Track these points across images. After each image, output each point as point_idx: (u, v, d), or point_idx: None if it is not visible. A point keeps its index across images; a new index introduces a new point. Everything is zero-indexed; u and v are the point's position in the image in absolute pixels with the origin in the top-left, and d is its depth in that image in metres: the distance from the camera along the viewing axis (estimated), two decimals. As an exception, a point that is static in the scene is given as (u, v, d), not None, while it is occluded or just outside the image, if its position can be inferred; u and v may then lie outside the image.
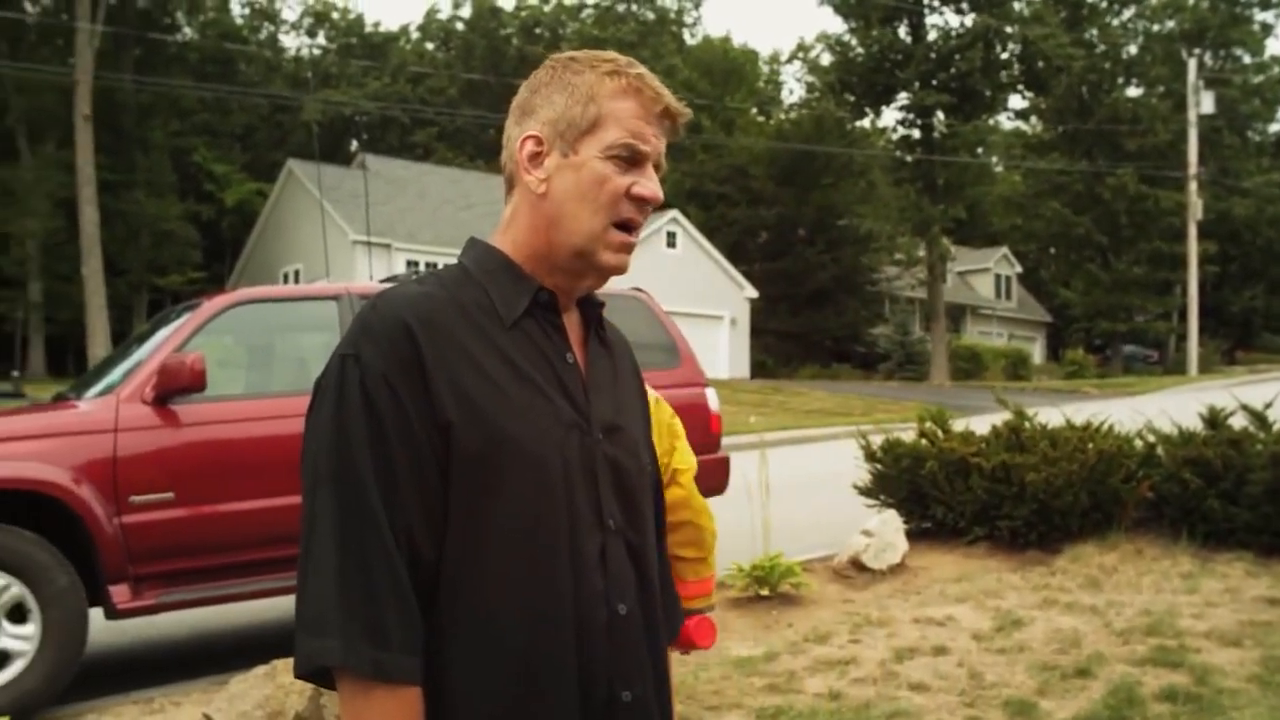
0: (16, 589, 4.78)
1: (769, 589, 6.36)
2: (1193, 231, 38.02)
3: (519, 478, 1.32)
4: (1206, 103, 38.45)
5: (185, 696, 5.01)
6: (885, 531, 7.14)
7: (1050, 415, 8.27)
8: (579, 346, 1.45)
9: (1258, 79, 49.64)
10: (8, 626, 4.81)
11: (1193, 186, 38.07)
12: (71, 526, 4.98)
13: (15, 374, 14.48)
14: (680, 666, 5.33)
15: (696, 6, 63.16)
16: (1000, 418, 8.10)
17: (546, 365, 1.39)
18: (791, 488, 9.18)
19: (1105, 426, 7.82)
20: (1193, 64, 39.95)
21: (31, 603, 4.81)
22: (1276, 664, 5.03)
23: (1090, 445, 7.50)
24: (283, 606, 6.92)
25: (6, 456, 4.94)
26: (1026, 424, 7.86)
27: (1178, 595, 6.36)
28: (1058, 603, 6.20)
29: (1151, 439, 7.85)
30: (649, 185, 1.40)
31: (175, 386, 5.17)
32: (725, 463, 7.05)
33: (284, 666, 4.47)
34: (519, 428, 1.33)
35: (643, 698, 1.40)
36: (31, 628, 4.82)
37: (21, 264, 33.41)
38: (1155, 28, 46.66)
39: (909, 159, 39.00)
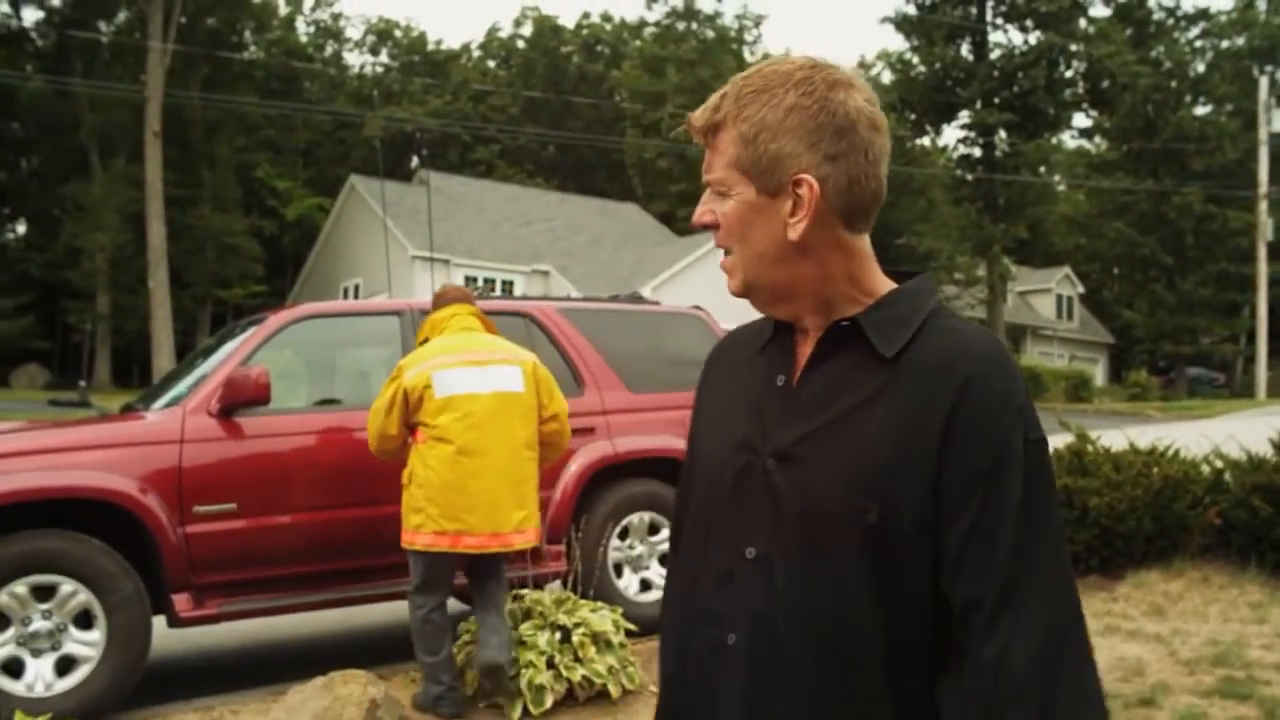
0: (84, 595, 4.88)
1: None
2: (1262, 252, 37.20)
3: (693, 493, 1.46)
4: (1278, 121, 37.69)
5: (243, 705, 5.07)
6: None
7: (1113, 438, 8.13)
8: (809, 370, 1.37)
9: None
10: (75, 632, 4.90)
11: (1263, 206, 37.27)
12: (137, 535, 5.07)
13: (82, 384, 14.78)
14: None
15: (757, 25, 63.18)
16: (1062, 440, 7.97)
17: (760, 388, 1.40)
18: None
19: (1170, 451, 7.67)
20: (1264, 81, 39.17)
21: (98, 609, 4.90)
22: (1350, 698, 4.89)
23: (1155, 470, 7.35)
24: (336, 618, 6.99)
25: (76, 465, 5.04)
26: (1089, 447, 7.72)
27: (1246, 625, 6.21)
28: (1120, 630, 6.08)
29: (1219, 464, 7.68)
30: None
31: (240, 399, 5.26)
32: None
33: (341, 678, 4.52)
34: (704, 445, 1.46)
35: None
36: (97, 634, 4.91)
37: (90, 277, 34.17)
38: (1224, 44, 45.89)
39: (970, 178, 38.64)
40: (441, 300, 5.28)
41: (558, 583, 5.86)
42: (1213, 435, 8.73)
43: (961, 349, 1.29)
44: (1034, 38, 37.46)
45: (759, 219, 1.34)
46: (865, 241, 1.37)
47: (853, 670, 1.26)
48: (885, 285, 1.37)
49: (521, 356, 5.12)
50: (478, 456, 4.81)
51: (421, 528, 4.80)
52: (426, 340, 5.11)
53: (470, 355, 4.96)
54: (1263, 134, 37.63)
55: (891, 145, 1.38)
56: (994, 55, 38.06)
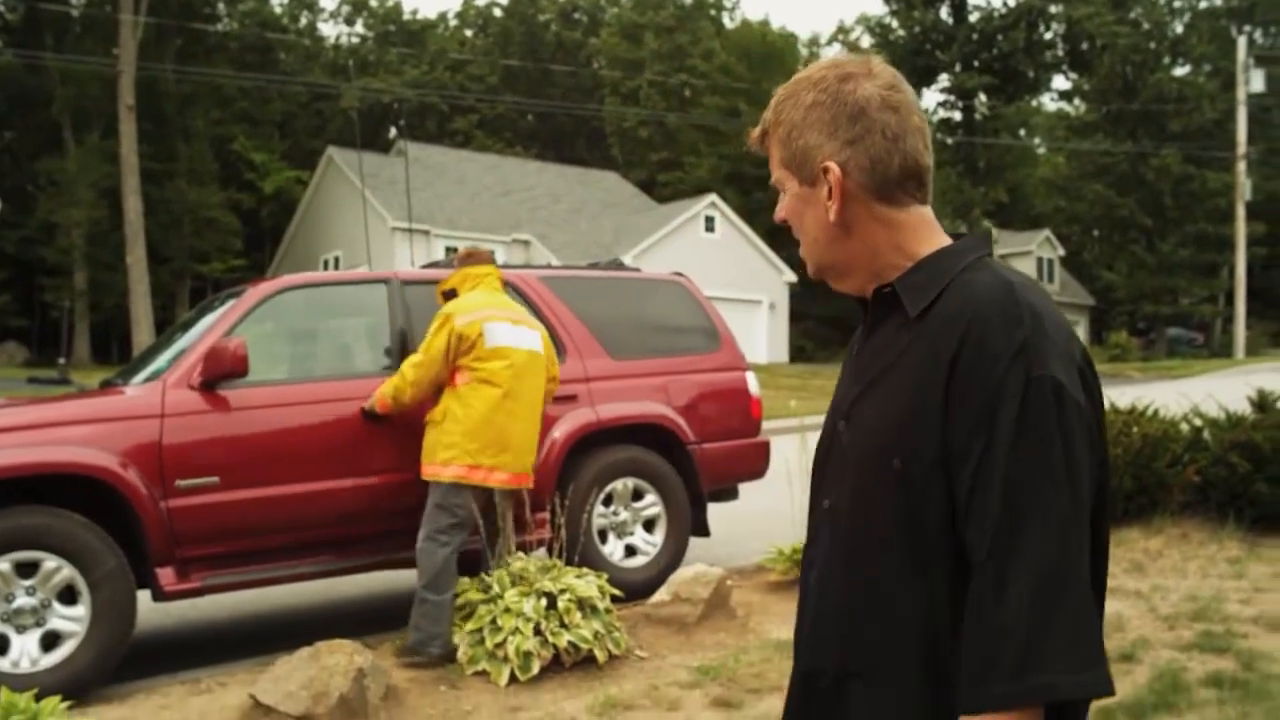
0: (67, 571, 4.86)
1: (809, 573, 6.33)
2: (1240, 212, 37.42)
3: None
4: (1256, 81, 37.78)
5: (231, 677, 5.08)
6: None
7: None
8: (867, 337, 1.52)
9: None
10: (59, 608, 4.89)
11: (1241, 166, 37.46)
12: (120, 510, 5.06)
13: (61, 361, 14.68)
14: (720, 650, 5.34)
15: (734, -10, 62.86)
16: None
17: (849, 360, 1.56)
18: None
19: (1150, 410, 7.73)
20: (1242, 41, 39.25)
21: (81, 585, 4.89)
22: (1326, 650, 4.96)
23: (1135, 429, 7.41)
24: (322, 588, 7.00)
25: (57, 441, 5.02)
26: (1070, 407, 7.76)
27: (1224, 580, 6.28)
28: (1102, 587, 6.13)
29: (1198, 423, 7.74)
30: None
31: (219, 372, 5.23)
32: (765, 447, 7.04)
33: (327, 648, 4.53)
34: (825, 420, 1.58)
35: (832, 675, 1.44)
36: (81, 609, 4.90)
37: (67, 253, 33.89)
38: (1202, 4, 45.91)
39: (950, 141, 38.64)
40: (476, 258, 5.70)
41: (543, 550, 5.88)
42: (1192, 394, 8.80)
43: (970, 296, 1.36)
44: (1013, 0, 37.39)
45: (807, 208, 1.50)
46: (913, 212, 1.47)
47: (888, 607, 1.37)
48: (936, 250, 1.47)
49: (536, 324, 5.67)
50: (518, 402, 5.34)
51: (454, 460, 5.21)
52: (454, 291, 5.51)
53: (510, 314, 5.49)
54: (1241, 94, 37.74)
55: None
56: (973, 18, 38.03)
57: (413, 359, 5.40)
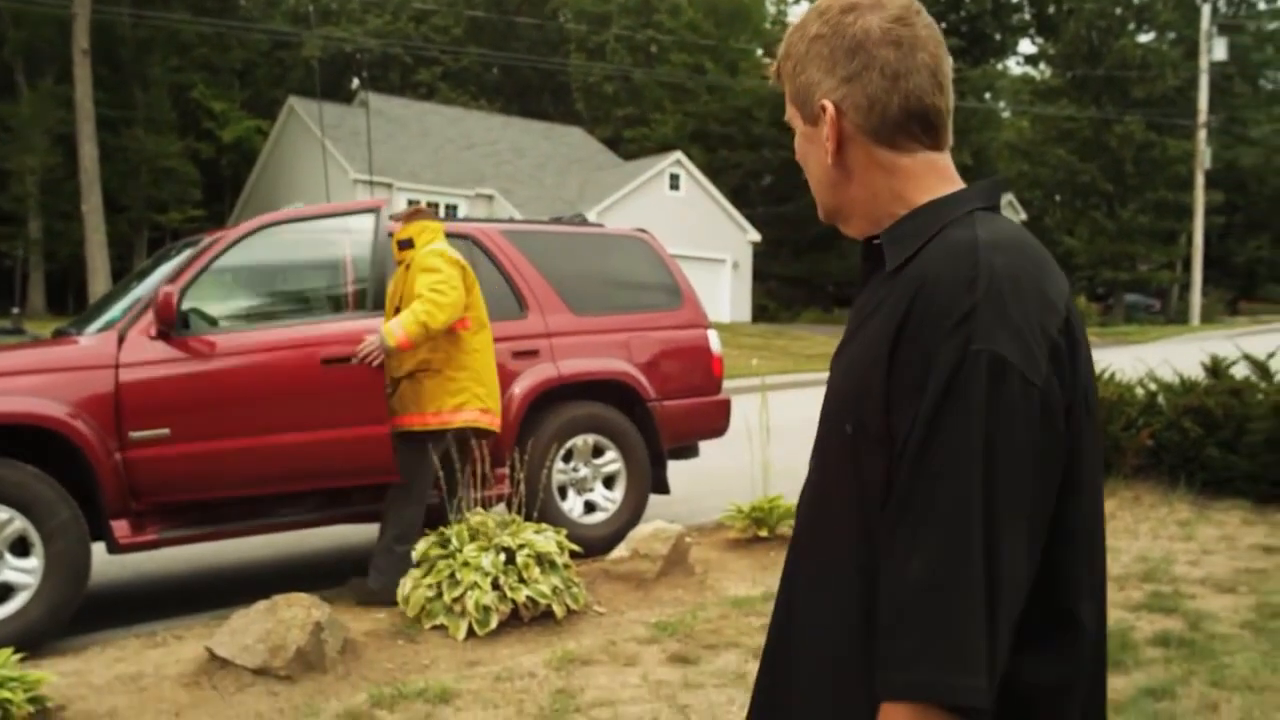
0: (19, 523, 4.81)
1: (768, 530, 6.39)
2: (1200, 180, 37.79)
3: None
4: (1219, 49, 38.01)
5: (187, 630, 5.05)
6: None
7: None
8: (860, 290, 1.43)
9: (1272, 26, 49.01)
10: (10, 559, 4.84)
11: (1202, 134, 37.78)
12: (73, 461, 4.99)
13: (15, 311, 14.41)
14: (678, 606, 5.38)
15: (703, -55, 62.24)
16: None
17: None
18: (792, 430, 9.17)
19: (1106, 374, 7.82)
20: (1206, 9, 39.43)
21: (34, 536, 4.84)
22: (1270, 610, 5.07)
23: (1091, 392, 7.49)
24: (279, 542, 6.98)
25: (8, 391, 4.94)
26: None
27: (1174, 542, 6.40)
28: (1054, 548, 6.23)
29: (1153, 387, 7.85)
30: None
31: (162, 320, 5.12)
32: (726, 405, 7.06)
33: (284, 601, 4.51)
34: None
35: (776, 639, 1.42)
36: (34, 561, 4.85)
37: (21, 200, 33.22)
38: (1168, -29, 45.98)
39: (915, 103, 38.62)
40: (425, 214, 5.67)
41: (502, 505, 5.88)
42: (1148, 359, 8.92)
43: (932, 255, 1.25)
44: (981, -39, 37.36)
45: (811, 148, 1.40)
46: (919, 158, 1.35)
47: (832, 565, 1.30)
48: (931, 199, 1.35)
49: None
50: (491, 345, 5.57)
51: (465, 405, 5.37)
52: (411, 241, 5.49)
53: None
54: (1204, 62, 37.99)
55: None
56: (941, -21, 37.91)
57: (431, 281, 5.19)
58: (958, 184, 1.36)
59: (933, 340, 1.18)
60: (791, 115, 1.42)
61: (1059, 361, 1.21)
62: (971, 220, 1.29)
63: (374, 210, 5.73)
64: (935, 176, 1.35)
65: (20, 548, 4.86)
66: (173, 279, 5.35)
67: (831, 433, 1.32)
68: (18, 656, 4.12)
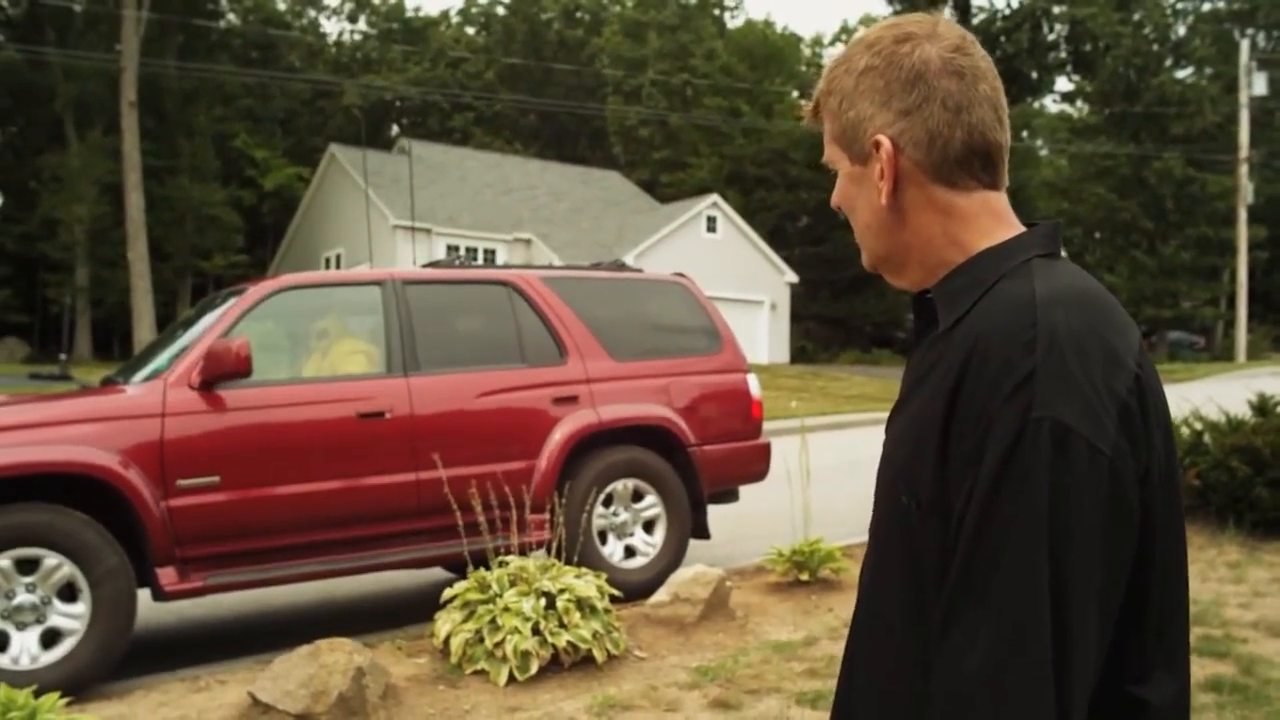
0: (68, 569, 4.87)
1: (809, 574, 6.35)
2: (1242, 216, 37.37)
3: None
4: (1259, 84, 37.72)
5: (231, 675, 5.08)
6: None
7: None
8: (914, 348, 1.34)
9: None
10: (59, 605, 4.90)
11: (1243, 170, 37.40)
12: (120, 509, 5.06)
13: (63, 357, 14.67)
14: (719, 651, 5.34)
15: (737, -11, 62.83)
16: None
17: None
18: (832, 472, 9.15)
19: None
20: (1245, 45, 39.20)
21: (82, 582, 4.90)
22: (1325, 655, 4.96)
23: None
24: (322, 589, 7.01)
25: (58, 440, 5.02)
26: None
27: (1224, 584, 6.28)
28: (1101, 591, 6.13)
29: (1198, 426, 7.75)
30: None
31: (221, 371, 5.24)
32: (766, 449, 7.04)
33: (326, 646, 4.53)
34: None
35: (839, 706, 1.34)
36: (82, 607, 4.91)
37: (69, 249, 33.90)
38: (1205, 6, 45.88)
39: (952, 142, 38.56)
40: None
41: (542, 550, 5.88)
42: (1192, 398, 8.80)
43: (986, 312, 1.15)
44: (1017, 0, 37.38)
45: (859, 190, 1.29)
46: (976, 198, 1.25)
47: (887, 648, 1.23)
48: (986, 248, 1.24)
49: None
50: None
51: None
52: None
53: None
54: (1243, 97, 37.69)
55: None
56: (977, 20, 37.97)
57: None
58: (1015, 227, 1.25)
59: (989, 407, 1.08)
60: (833, 156, 1.31)
61: (1130, 425, 1.09)
62: (1029, 270, 1.18)
63: (379, 284, 6.08)
64: (993, 219, 1.25)
65: (68, 593, 4.92)
66: (224, 331, 5.47)
67: (887, 503, 1.24)
68: (64, 700, 4.16)
